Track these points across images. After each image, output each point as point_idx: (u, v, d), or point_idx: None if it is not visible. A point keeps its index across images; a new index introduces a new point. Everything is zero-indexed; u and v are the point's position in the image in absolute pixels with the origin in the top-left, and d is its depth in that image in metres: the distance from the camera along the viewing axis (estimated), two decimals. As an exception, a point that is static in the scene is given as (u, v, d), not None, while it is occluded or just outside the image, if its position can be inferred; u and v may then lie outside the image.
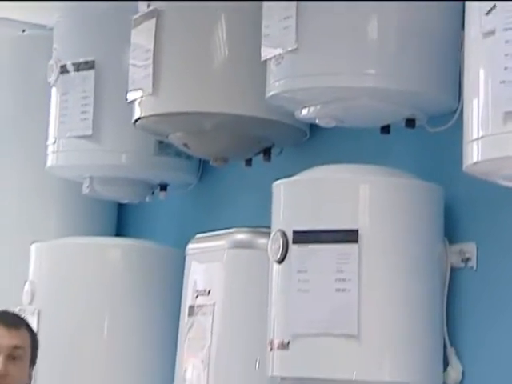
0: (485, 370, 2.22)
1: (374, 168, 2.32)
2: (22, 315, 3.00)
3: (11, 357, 2.61)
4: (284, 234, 2.27)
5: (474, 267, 2.26)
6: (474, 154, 1.76)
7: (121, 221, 3.67)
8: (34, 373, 2.74)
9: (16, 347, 2.62)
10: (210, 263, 2.74)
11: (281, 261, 2.29)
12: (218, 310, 2.63)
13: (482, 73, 1.76)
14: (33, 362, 2.71)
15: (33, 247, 3.22)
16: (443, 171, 2.36)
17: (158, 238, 3.31)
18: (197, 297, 2.72)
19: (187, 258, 2.84)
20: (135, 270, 3.12)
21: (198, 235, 2.83)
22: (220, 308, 2.63)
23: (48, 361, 2.98)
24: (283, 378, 2.30)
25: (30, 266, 3.21)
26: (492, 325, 2.22)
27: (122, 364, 3.05)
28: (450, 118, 2.27)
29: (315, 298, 2.21)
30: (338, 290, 2.18)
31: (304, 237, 2.24)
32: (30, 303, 3.12)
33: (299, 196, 2.33)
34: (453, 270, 2.29)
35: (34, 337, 2.73)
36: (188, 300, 2.76)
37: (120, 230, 3.66)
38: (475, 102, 1.78)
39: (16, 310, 2.99)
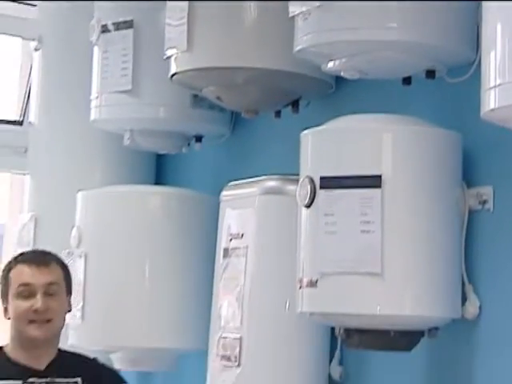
0: (500, 304, 2.21)
1: (396, 117, 2.29)
2: (70, 258, 3.04)
3: (48, 293, 2.63)
4: (312, 180, 2.25)
5: (491, 209, 2.23)
6: (491, 101, 1.72)
7: (159, 170, 3.66)
8: (72, 300, 2.77)
9: (51, 284, 2.65)
10: (242, 209, 2.73)
11: (309, 205, 2.27)
12: (251, 252, 2.63)
13: (499, 24, 1.72)
14: (69, 291, 2.74)
15: (79, 195, 3.23)
16: (461, 119, 2.32)
17: (194, 186, 3.29)
18: (231, 240, 2.72)
19: (221, 204, 2.83)
20: (173, 216, 3.12)
21: (231, 183, 2.82)
22: (252, 250, 2.62)
23: (94, 299, 3.01)
24: (311, 314, 2.30)
25: (77, 212, 3.23)
26: (507, 263, 2.20)
27: (162, 302, 3.06)
28: (468, 69, 2.22)
29: (341, 240, 2.20)
30: (362, 231, 2.17)
31: (330, 182, 2.22)
32: (78, 247, 3.13)
33: (325, 144, 2.30)
34: (470, 212, 2.26)
35: (65, 269, 2.74)
36: (223, 243, 2.76)
37: (159, 179, 3.64)
38: (492, 52, 1.74)
39: (65, 252, 3.01)
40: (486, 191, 2.24)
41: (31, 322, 2.61)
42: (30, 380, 2.63)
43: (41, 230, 3.50)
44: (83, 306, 2.99)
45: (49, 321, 2.63)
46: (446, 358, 2.33)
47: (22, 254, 2.79)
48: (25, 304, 2.61)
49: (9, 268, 2.69)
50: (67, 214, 3.25)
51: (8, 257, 2.93)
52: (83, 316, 3.00)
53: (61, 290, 2.68)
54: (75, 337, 3.03)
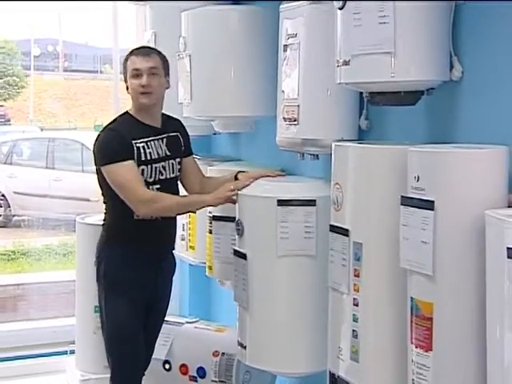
0: (476, 72, 2.14)
1: None
2: (180, 57, 3.01)
3: (151, 73, 2.70)
4: (343, -10, 2.14)
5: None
6: None
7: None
8: (169, 79, 2.80)
9: (152, 68, 2.71)
10: (296, 17, 2.62)
11: (341, 8, 2.17)
12: (302, 46, 2.54)
13: None
14: (167, 73, 2.79)
15: (183, 14, 3.13)
16: None
17: (259, 3, 3.15)
18: (288, 38, 2.65)
19: (281, 14, 2.73)
20: (248, 25, 3.04)
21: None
22: (303, 45, 2.54)
23: (197, 85, 2.99)
24: (347, 83, 2.23)
25: (182, 26, 3.14)
26: (484, 42, 2.10)
27: (244, 84, 3.04)
28: None
29: (366, 30, 2.11)
30: (380, 23, 2.07)
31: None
32: (184, 50, 3.12)
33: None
34: (457, 4, 2.13)
35: (163, 58, 2.79)
36: (283, 41, 2.69)
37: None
38: None
39: (176, 54, 3.00)
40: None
41: (141, 93, 2.71)
42: (152, 137, 2.74)
43: (158, 40, 3.45)
44: (191, 90, 2.99)
45: (151, 93, 2.71)
46: (439, 110, 2.29)
47: (133, 50, 2.82)
48: (136, 81, 2.70)
49: (126, 59, 2.77)
50: (176, 29, 3.20)
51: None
52: (192, 97, 3.04)
53: (159, 72, 2.74)
54: (187, 110, 3.09)
